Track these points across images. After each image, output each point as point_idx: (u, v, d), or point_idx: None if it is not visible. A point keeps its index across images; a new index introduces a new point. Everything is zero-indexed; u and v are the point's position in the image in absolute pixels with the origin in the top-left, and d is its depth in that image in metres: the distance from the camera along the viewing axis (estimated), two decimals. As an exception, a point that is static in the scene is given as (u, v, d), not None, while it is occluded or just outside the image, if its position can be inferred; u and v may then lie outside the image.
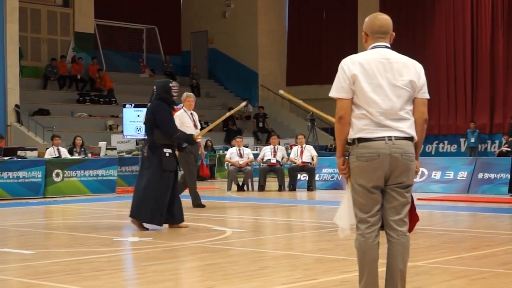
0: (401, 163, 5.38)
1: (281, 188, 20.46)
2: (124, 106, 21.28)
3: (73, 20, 32.56)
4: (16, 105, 25.69)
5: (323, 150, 27.14)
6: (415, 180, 5.70)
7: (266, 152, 21.00)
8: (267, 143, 26.27)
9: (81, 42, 32.67)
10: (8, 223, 13.12)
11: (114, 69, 33.56)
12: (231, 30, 35.09)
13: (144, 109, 20.31)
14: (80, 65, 31.51)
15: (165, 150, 11.58)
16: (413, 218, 5.63)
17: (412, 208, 5.62)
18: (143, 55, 35.84)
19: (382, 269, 5.52)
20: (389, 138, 5.37)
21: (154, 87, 11.95)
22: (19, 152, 19.18)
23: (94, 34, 33.48)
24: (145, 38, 36.24)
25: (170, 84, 11.96)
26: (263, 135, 32.33)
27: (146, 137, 11.99)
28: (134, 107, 20.98)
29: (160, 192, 11.47)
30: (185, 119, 14.73)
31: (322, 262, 8.35)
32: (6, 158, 18.58)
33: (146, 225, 11.57)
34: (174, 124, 11.93)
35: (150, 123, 11.68)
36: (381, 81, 5.39)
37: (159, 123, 11.59)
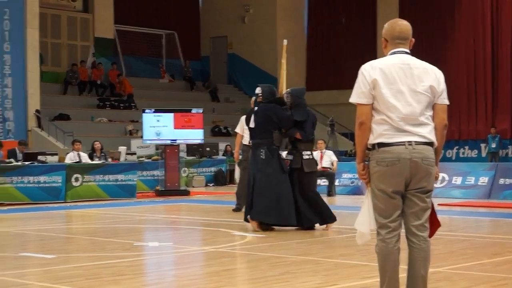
0: (421, 168, 5.37)
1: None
2: (143, 111, 21.33)
3: (93, 25, 32.67)
4: (37, 110, 25.79)
5: (343, 155, 27.07)
6: (435, 185, 5.68)
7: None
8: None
9: (101, 48, 32.77)
10: (28, 227, 13.17)
11: (133, 74, 33.63)
12: (250, 35, 35.10)
13: (164, 114, 20.70)
14: (100, 70, 31.61)
15: (304, 153, 12.01)
16: (434, 223, 5.61)
17: (433, 214, 5.60)
18: (162, 60, 35.90)
19: (403, 275, 5.51)
20: (409, 143, 5.36)
21: (258, 93, 12.04)
22: (39, 157, 19.25)
23: (114, 40, 33.57)
24: (165, 43, 36.29)
25: (274, 88, 12.50)
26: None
27: (253, 140, 11.96)
28: (153, 112, 21.02)
29: (282, 193, 11.67)
30: None
31: (343, 268, 8.34)
32: (27, 163, 18.67)
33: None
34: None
35: (265, 126, 11.76)
36: (401, 87, 5.39)
37: (283, 122, 11.83)
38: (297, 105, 12.21)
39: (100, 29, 32.71)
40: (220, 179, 24.86)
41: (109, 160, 20.90)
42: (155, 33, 35.71)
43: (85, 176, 19.03)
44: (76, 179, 18.89)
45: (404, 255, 5.49)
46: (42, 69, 28.01)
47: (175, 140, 20.79)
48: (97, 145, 21.42)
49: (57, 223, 14.46)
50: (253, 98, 12.82)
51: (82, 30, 32.44)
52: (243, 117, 13.85)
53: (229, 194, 21.11)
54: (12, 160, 18.98)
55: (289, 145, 12.32)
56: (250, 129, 12.06)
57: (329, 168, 20.38)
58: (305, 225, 12.03)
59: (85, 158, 20.07)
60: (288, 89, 12.53)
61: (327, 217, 12.16)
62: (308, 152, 12.20)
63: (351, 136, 30.06)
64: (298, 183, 12.01)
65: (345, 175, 21.08)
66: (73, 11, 32.24)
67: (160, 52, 36.11)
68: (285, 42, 13.43)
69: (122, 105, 30.62)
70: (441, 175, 18.36)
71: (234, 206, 15.25)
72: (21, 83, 25.30)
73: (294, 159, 12.13)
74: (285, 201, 11.70)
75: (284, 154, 12.24)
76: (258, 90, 12.20)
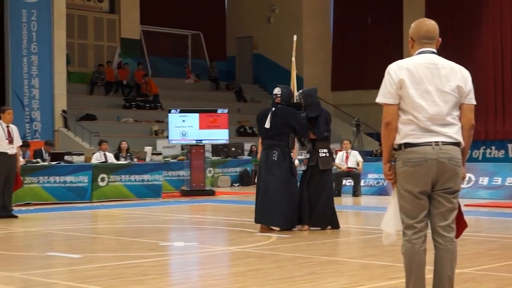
0: (448, 168, 5.33)
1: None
2: (169, 111, 21.38)
3: (119, 26, 32.79)
4: (63, 111, 25.92)
5: (369, 156, 26.99)
6: (462, 186, 5.65)
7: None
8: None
9: (127, 48, 32.89)
10: (55, 227, 13.24)
11: (159, 74, 33.71)
12: (276, 35, 35.05)
13: (190, 114, 20.73)
14: (126, 70, 31.71)
15: (320, 150, 12.02)
16: (460, 224, 5.57)
17: (460, 215, 5.56)
18: (188, 60, 35.96)
19: (429, 276, 5.48)
20: (436, 143, 5.33)
21: (277, 93, 12.04)
22: (66, 157, 19.36)
23: (140, 40, 33.67)
24: (190, 44, 36.35)
25: (291, 90, 12.44)
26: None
27: (267, 140, 11.95)
28: (179, 112, 21.07)
29: (293, 195, 11.72)
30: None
31: (368, 268, 8.31)
32: (53, 163, 18.77)
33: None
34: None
35: (283, 128, 11.79)
36: (428, 87, 5.36)
37: (301, 128, 11.87)
38: (310, 104, 12.23)
39: (126, 30, 32.83)
40: (245, 179, 24.86)
41: (135, 160, 20.97)
42: (181, 33, 35.79)
43: (111, 176, 19.10)
44: (102, 179, 18.97)
45: (430, 256, 5.45)
46: (68, 69, 28.15)
47: (201, 140, 20.82)
48: (124, 145, 21.51)
49: (83, 223, 14.53)
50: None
51: (109, 30, 32.57)
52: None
53: (254, 194, 21.10)
54: (39, 160, 19.10)
55: (310, 144, 12.28)
56: (264, 129, 11.97)
57: (354, 168, 20.33)
58: (315, 224, 12.00)
59: (111, 158, 20.15)
60: (300, 90, 12.54)
61: (332, 222, 12.09)
62: (325, 150, 12.15)
63: (377, 136, 29.95)
64: (312, 180, 11.99)
65: (370, 176, 21.02)
66: (99, 11, 32.38)
67: (185, 52, 36.17)
68: (295, 38, 13.39)
69: (148, 105, 30.71)
70: (467, 175, 18.26)
71: None
72: (48, 84, 25.44)
73: (311, 157, 12.14)
74: (291, 204, 11.68)
75: (300, 156, 12.24)
76: (277, 91, 12.18)
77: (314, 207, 11.97)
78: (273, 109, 11.99)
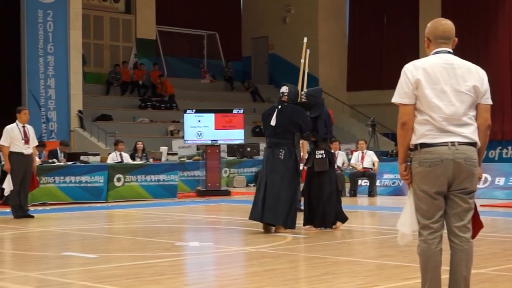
0: (464, 168, 5.32)
1: (341, 193, 20.33)
2: (185, 111, 21.40)
3: (135, 26, 32.85)
4: (79, 111, 25.99)
5: (384, 156, 26.94)
6: (478, 186, 5.63)
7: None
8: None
9: (143, 48, 32.96)
10: (70, 227, 13.28)
11: (175, 74, 33.75)
12: (292, 35, 35.03)
13: (205, 114, 20.75)
14: (142, 71, 31.77)
15: (317, 152, 12.07)
16: (476, 224, 5.56)
17: (476, 215, 5.54)
18: (203, 60, 35.99)
19: (445, 276, 5.46)
20: (452, 143, 5.32)
21: (284, 92, 12.04)
22: (82, 157, 19.41)
23: (156, 40, 33.74)
24: (206, 44, 36.39)
25: (298, 90, 12.47)
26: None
27: (273, 138, 11.94)
28: (195, 112, 21.08)
29: (296, 195, 11.76)
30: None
31: (384, 269, 8.30)
32: (69, 163, 18.83)
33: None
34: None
35: (289, 127, 11.79)
36: (444, 87, 5.34)
37: (305, 127, 11.85)
38: (314, 104, 12.25)
39: (142, 30, 32.90)
40: (261, 179, 24.81)
41: (151, 160, 21.01)
42: (197, 33, 35.83)
43: (127, 176, 19.14)
44: (118, 179, 19.01)
45: (446, 256, 5.44)
46: (84, 70, 28.24)
47: (216, 140, 20.83)
48: (140, 145, 21.57)
49: (98, 223, 14.56)
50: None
51: (124, 31, 32.65)
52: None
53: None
54: (54, 160, 19.17)
55: (312, 145, 12.28)
56: (271, 127, 11.95)
57: (370, 168, 20.30)
58: (316, 225, 12.01)
59: (126, 159, 20.20)
60: (305, 90, 12.53)
61: (338, 217, 12.09)
62: (321, 152, 12.10)
63: (392, 137, 29.91)
64: (312, 182, 12.03)
65: (386, 176, 20.98)
66: (115, 12, 32.46)
67: (201, 52, 36.21)
68: (305, 40, 13.37)
69: (163, 105, 30.76)
70: (484, 175, 18.16)
71: None
72: (64, 84, 25.51)
73: (308, 158, 12.18)
74: (295, 204, 11.69)
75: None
76: (284, 89, 12.17)
77: (316, 208, 11.97)
78: (279, 107, 11.97)
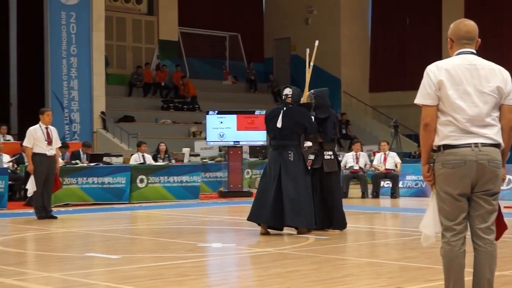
0: (488, 170, 5.29)
1: (364, 195, 20.34)
2: (207, 113, 21.43)
3: (158, 28, 32.94)
4: (102, 112, 26.09)
5: (407, 157, 26.86)
6: (502, 187, 5.60)
7: (348, 159, 20.91)
8: (349, 150, 26.12)
9: (165, 50, 33.04)
10: (94, 228, 13.33)
11: (197, 76, 33.82)
12: (314, 36, 34.90)
13: (227, 116, 20.76)
14: (164, 72, 31.86)
15: (325, 153, 12.06)
16: (500, 226, 5.53)
17: (500, 216, 5.52)
18: (226, 62, 36.04)
19: (468, 278, 5.44)
20: (476, 144, 5.30)
21: (288, 93, 12.03)
22: (104, 158, 19.49)
23: (178, 42, 33.81)
24: (228, 45, 36.44)
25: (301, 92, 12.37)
26: (345, 142, 32.18)
27: (280, 141, 11.93)
28: (217, 113, 21.11)
29: (309, 196, 11.69)
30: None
31: (406, 270, 8.27)
32: (92, 164, 18.90)
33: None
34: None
35: (295, 128, 11.77)
36: (467, 88, 5.32)
37: (311, 128, 11.83)
38: (321, 105, 12.22)
39: (164, 32, 32.99)
40: (283, 180, 24.78)
41: (173, 161, 21.05)
42: (219, 35, 35.88)
43: (150, 177, 19.19)
44: (141, 181, 19.07)
45: (469, 258, 5.42)
46: (107, 71, 28.34)
47: (238, 141, 20.84)
48: (162, 147, 21.62)
49: (121, 224, 14.61)
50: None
51: (147, 32, 32.75)
52: None
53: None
54: (77, 161, 19.25)
55: (316, 145, 12.22)
56: (276, 129, 11.91)
57: (392, 170, 20.25)
58: (318, 226, 11.97)
59: (149, 160, 20.25)
60: (311, 91, 12.48)
61: (336, 223, 12.04)
62: (330, 152, 12.11)
63: (415, 138, 29.79)
64: (318, 183, 11.97)
65: (409, 177, 20.91)
66: (138, 13, 32.57)
67: (223, 54, 36.26)
68: (316, 43, 13.33)
69: (185, 106, 30.83)
70: (507, 177, 18.09)
71: None
72: (87, 86, 25.63)
73: (316, 159, 12.10)
74: (309, 205, 11.65)
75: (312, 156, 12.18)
76: (288, 91, 12.14)
77: (328, 210, 11.94)
78: (285, 108, 11.94)
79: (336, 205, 12.04)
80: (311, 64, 12.88)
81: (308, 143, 12.16)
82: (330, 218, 12.01)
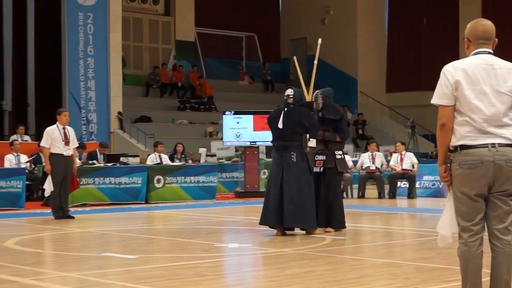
0: (505, 170, 5.27)
1: (380, 195, 20.30)
2: (223, 113, 21.45)
3: (174, 28, 33.01)
4: (119, 113, 26.16)
5: (424, 157, 26.79)
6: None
7: (365, 159, 20.88)
8: (366, 150, 26.10)
9: (182, 50, 33.11)
10: (110, 228, 13.37)
11: (213, 76, 33.88)
12: (330, 36, 34.94)
13: (244, 116, 20.77)
14: (181, 72, 31.92)
15: (336, 153, 12.01)
16: (518, 227, 5.52)
17: (517, 217, 5.50)
18: (242, 62, 36.07)
19: (486, 279, 5.42)
20: (493, 145, 5.28)
21: (289, 94, 12.02)
22: (121, 159, 19.54)
23: (195, 42, 33.88)
24: (245, 46, 36.47)
25: (303, 93, 12.42)
26: (362, 142, 32.13)
27: (281, 141, 11.91)
28: (233, 114, 21.12)
29: (312, 196, 11.66)
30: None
31: (423, 271, 8.25)
32: (109, 164, 18.96)
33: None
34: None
35: (297, 129, 11.74)
36: (484, 88, 5.31)
37: (313, 128, 11.80)
38: (328, 105, 12.19)
39: (181, 32, 33.05)
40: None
41: (189, 162, 21.08)
42: (235, 35, 35.92)
43: (167, 177, 19.22)
44: (158, 181, 19.10)
45: (487, 259, 5.40)
46: (124, 72, 28.42)
47: (255, 141, 20.84)
48: (180, 147, 21.66)
49: (138, 224, 14.65)
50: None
51: (164, 33, 32.83)
52: None
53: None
54: (94, 161, 19.32)
55: (322, 145, 12.16)
56: (277, 129, 11.89)
57: (409, 170, 20.19)
58: (319, 226, 11.97)
59: (166, 160, 20.30)
60: (318, 90, 12.46)
61: (337, 222, 12.01)
62: (340, 152, 12.11)
63: (432, 138, 29.71)
64: (327, 183, 11.93)
65: (426, 177, 20.85)
66: (154, 14, 32.65)
67: (240, 54, 36.30)
68: (319, 40, 13.32)
69: (202, 107, 30.87)
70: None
71: None
72: (104, 86, 25.69)
73: (327, 159, 12.02)
74: (312, 205, 11.62)
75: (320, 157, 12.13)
76: (289, 92, 12.10)
77: (333, 209, 11.92)
78: (286, 109, 11.91)
79: (340, 205, 12.03)
80: (316, 59, 12.91)
81: (312, 143, 12.14)
82: (330, 218, 11.95)
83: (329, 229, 11.93)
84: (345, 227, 12.08)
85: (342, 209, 12.07)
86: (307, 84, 13.33)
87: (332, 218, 11.94)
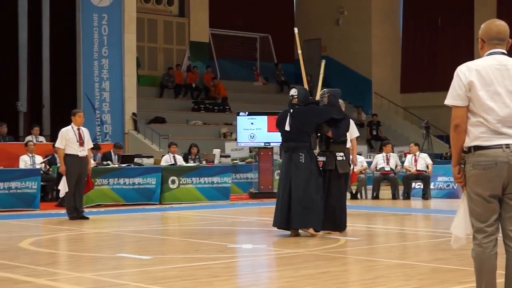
0: (520, 171, 5.26)
1: (394, 196, 20.27)
2: (238, 114, 21.47)
3: (189, 29, 33.04)
4: (133, 113, 26.20)
5: (438, 158, 26.74)
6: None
7: (379, 160, 20.84)
8: (380, 151, 26.05)
9: (196, 51, 33.14)
10: (125, 228, 13.40)
11: (228, 77, 33.88)
12: (345, 37, 34.97)
13: (258, 117, 20.79)
14: (195, 73, 31.95)
15: (337, 154, 11.91)
16: (532, 228, 5.49)
17: (532, 218, 5.48)
18: (256, 63, 36.07)
19: (500, 280, 5.41)
20: (507, 145, 5.27)
21: (293, 94, 12.00)
22: (136, 159, 19.57)
23: (209, 43, 33.89)
24: (259, 46, 36.47)
25: (308, 92, 12.40)
26: (376, 143, 32.07)
27: (289, 143, 11.89)
28: (247, 115, 21.14)
29: (320, 198, 11.63)
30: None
31: (438, 272, 8.24)
32: (123, 165, 19.00)
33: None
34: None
35: (303, 129, 11.73)
36: (498, 88, 5.29)
37: (322, 116, 11.76)
38: (334, 104, 12.06)
39: (195, 33, 33.08)
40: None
41: (204, 162, 21.09)
42: (250, 36, 35.92)
43: (181, 178, 19.24)
44: (173, 182, 19.12)
45: (502, 260, 5.38)
46: (138, 73, 28.45)
47: (269, 142, 20.85)
48: (194, 149, 21.68)
49: (152, 225, 14.67)
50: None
51: (178, 34, 32.87)
52: None
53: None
54: (109, 162, 19.36)
55: (323, 146, 12.12)
56: (285, 131, 11.86)
57: (424, 171, 20.14)
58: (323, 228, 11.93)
59: (180, 161, 20.32)
60: (325, 89, 12.41)
61: (340, 224, 11.97)
62: (341, 154, 11.99)
63: (446, 139, 29.61)
64: (328, 185, 11.89)
65: (440, 178, 20.80)
66: (169, 15, 32.70)
67: (254, 55, 36.29)
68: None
69: (216, 108, 30.89)
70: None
71: None
72: (118, 87, 25.74)
73: (327, 161, 11.95)
74: (320, 206, 11.59)
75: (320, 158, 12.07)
76: (293, 92, 12.07)
77: (335, 212, 11.87)
78: (291, 110, 11.89)
79: (344, 207, 11.99)
80: (320, 80, 12.92)
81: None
82: (334, 220, 11.90)
83: (330, 232, 11.89)
84: (344, 230, 12.01)
85: (343, 211, 11.99)
86: (325, 85, 13.31)
87: (333, 221, 11.89)
